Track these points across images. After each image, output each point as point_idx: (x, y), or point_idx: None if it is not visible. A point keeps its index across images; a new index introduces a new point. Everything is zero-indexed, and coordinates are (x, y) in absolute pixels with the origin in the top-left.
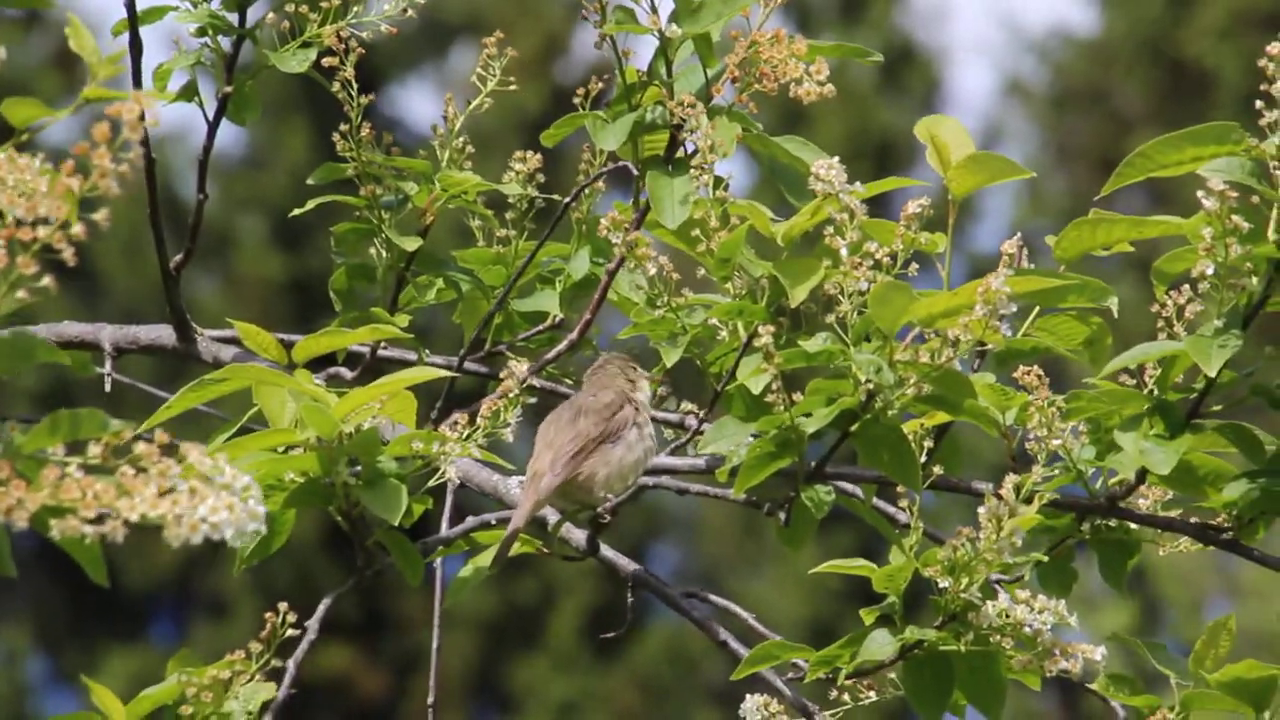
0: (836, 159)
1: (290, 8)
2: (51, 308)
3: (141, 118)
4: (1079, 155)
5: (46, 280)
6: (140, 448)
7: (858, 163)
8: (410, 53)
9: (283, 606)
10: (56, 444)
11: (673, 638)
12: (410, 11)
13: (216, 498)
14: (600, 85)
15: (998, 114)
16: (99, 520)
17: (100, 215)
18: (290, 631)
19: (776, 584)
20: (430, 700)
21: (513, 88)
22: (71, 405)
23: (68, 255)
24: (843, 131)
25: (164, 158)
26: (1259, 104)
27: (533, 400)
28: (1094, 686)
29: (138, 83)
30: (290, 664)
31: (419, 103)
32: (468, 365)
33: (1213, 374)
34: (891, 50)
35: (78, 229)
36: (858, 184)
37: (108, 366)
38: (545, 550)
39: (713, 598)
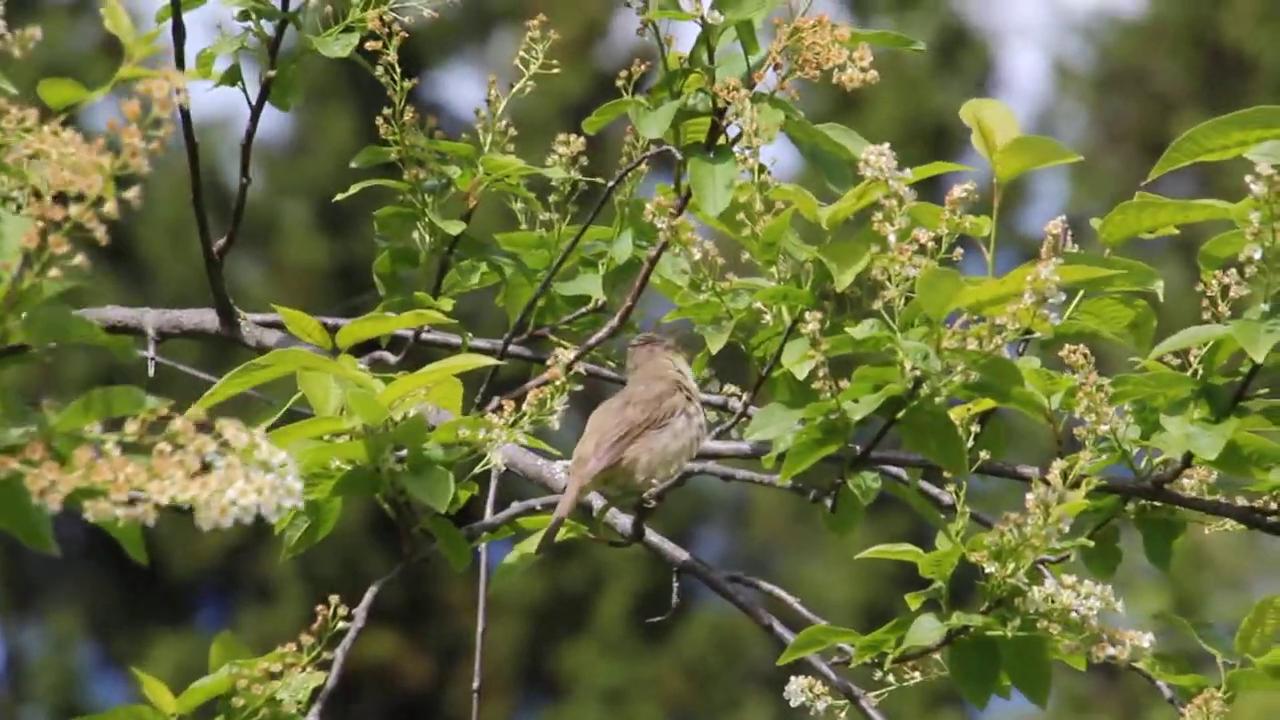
0: (887, 145)
1: None
2: (98, 294)
3: (178, 93)
4: (1126, 137)
5: (79, 259)
6: (177, 424)
7: (912, 146)
8: (452, 38)
9: (334, 599)
10: (91, 422)
11: (720, 623)
12: None
13: (247, 480)
14: (643, 69)
15: (1049, 96)
16: (131, 503)
17: (132, 194)
18: (340, 624)
19: (829, 567)
20: (475, 685)
21: (555, 71)
22: None
23: (100, 234)
24: (897, 115)
25: (209, 144)
26: None
27: (579, 387)
28: (1140, 666)
29: (181, 68)
30: (338, 653)
31: (461, 88)
32: (511, 349)
33: (1260, 359)
34: (946, 33)
35: (110, 207)
36: (906, 170)
37: (151, 351)
38: (590, 536)
39: (759, 583)
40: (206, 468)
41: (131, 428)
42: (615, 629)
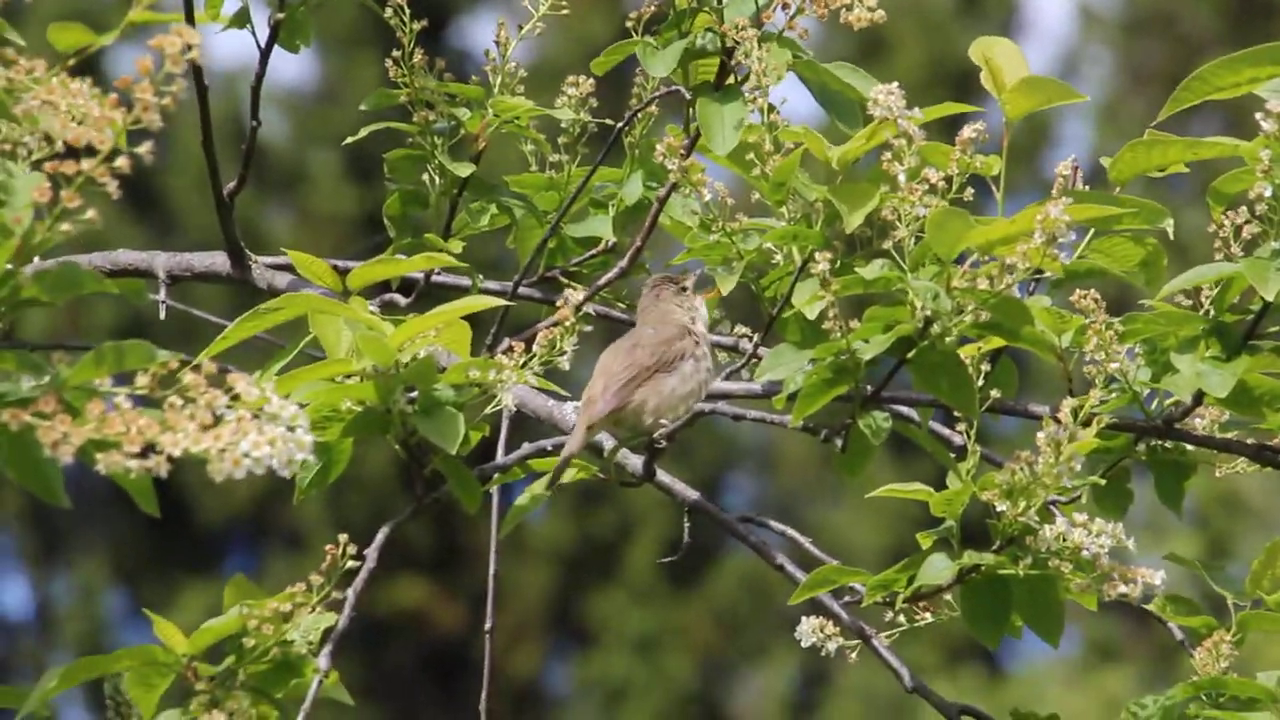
0: (895, 84)
1: None
2: (124, 239)
3: (187, 49)
4: (1152, 79)
5: (91, 213)
6: (188, 378)
7: (937, 89)
8: None
9: (343, 538)
10: (103, 376)
11: (749, 570)
12: None
13: (259, 432)
14: (651, 9)
15: (1073, 39)
16: (144, 454)
17: (145, 148)
18: (353, 563)
19: (856, 513)
20: (488, 627)
21: (564, 12)
22: (153, 338)
23: (112, 189)
24: (922, 58)
25: (233, 90)
26: None
27: (588, 328)
28: (1150, 608)
29: (190, 9)
30: (350, 593)
31: (489, 34)
32: (521, 290)
33: (1270, 297)
34: None
35: (122, 162)
36: (916, 109)
37: (161, 294)
38: (601, 475)
39: (770, 523)
40: (218, 420)
41: (142, 381)
42: (645, 576)
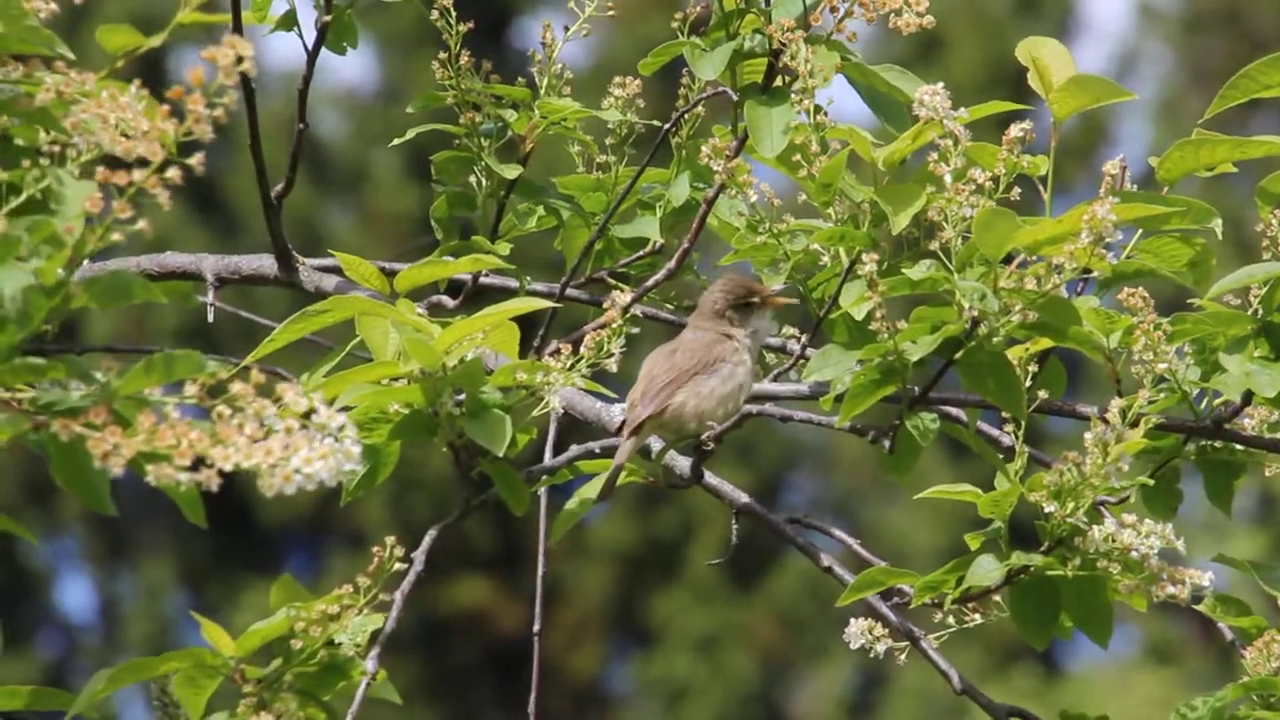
0: (940, 84)
1: None
2: (188, 240)
3: (239, 61)
4: (1214, 78)
5: (142, 224)
6: (236, 388)
7: (994, 89)
8: None
9: (389, 540)
10: (153, 385)
11: (809, 569)
12: None
13: (310, 447)
14: (699, 9)
15: (1132, 37)
16: (195, 468)
17: (195, 160)
18: (401, 565)
19: (914, 512)
20: (536, 629)
21: (610, 13)
22: (214, 341)
23: (163, 199)
24: (979, 58)
25: (293, 92)
26: None
27: (636, 330)
28: (1201, 608)
29: (237, 12)
30: (397, 596)
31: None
32: (569, 292)
33: None
34: None
35: (173, 173)
36: (961, 109)
37: (210, 296)
38: (650, 479)
39: (818, 525)
40: (268, 432)
41: (191, 390)
42: (706, 576)
